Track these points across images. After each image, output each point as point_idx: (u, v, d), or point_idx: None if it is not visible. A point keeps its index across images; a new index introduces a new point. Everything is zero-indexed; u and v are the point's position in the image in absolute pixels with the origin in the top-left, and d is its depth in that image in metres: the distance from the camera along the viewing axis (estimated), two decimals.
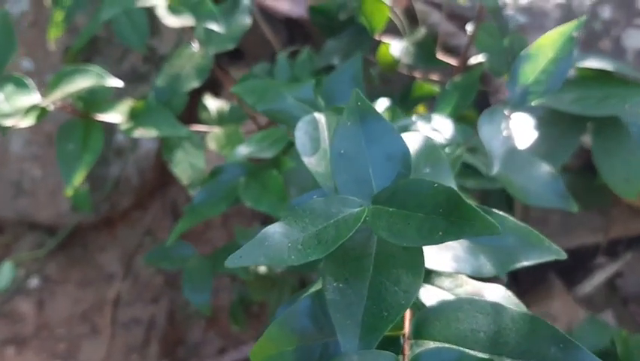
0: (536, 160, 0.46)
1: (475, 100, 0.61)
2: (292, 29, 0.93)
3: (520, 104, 0.43)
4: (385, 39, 0.71)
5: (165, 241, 0.61)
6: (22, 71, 0.86)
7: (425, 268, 0.30)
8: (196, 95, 0.71)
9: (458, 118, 0.59)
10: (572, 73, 0.61)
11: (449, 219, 0.24)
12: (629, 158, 0.58)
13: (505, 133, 0.41)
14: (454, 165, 0.42)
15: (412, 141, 0.35)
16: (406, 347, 0.27)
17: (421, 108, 0.70)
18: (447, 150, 0.47)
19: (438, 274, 0.32)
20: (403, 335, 0.28)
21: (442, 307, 0.28)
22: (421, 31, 0.71)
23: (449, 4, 0.76)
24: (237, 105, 0.66)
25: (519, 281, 0.82)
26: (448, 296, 0.31)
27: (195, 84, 0.55)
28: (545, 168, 0.47)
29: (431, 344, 0.27)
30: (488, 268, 0.30)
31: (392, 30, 0.73)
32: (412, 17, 0.77)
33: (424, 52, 0.69)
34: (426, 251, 0.29)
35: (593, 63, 0.59)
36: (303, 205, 0.26)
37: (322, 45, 0.71)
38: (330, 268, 0.27)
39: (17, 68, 0.87)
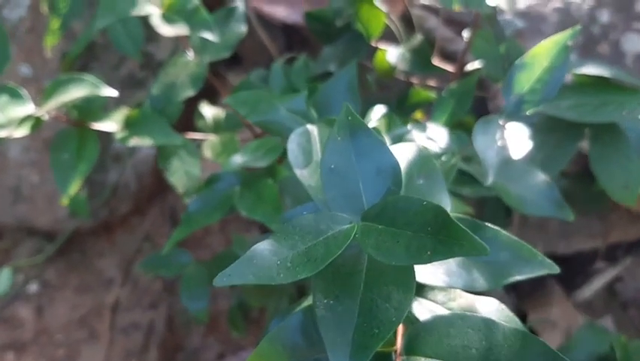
0: (532, 169, 0.46)
1: (474, 105, 0.61)
2: (290, 35, 0.93)
3: (515, 114, 0.43)
4: (382, 45, 0.71)
5: (163, 246, 0.61)
6: (20, 77, 0.86)
7: (418, 281, 0.30)
8: (193, 103, 0.71)
9: (455, 125, 0.59)
10: (569, 79, 0.60)
11: (437, 238, 0.24)
12: (627, 164, 0.58)
13: (499, 143, 0.41)
14: (448, 174, 0.42)
15: (406, 151, 0.35)
16: None
17: (418, 114, 0.70)
18: (442, 158, 0.46)
19: (431, 287, 0.31)
20: (395, 351, 0.28)
21: (434, 322, 0.28)
22: (418, 38, 0.71)
23: (446, 10, 0.76)
24: (233, 113, 0.66)
25: (518, 287, 0.82)
26: (442, 310, 0.31)
27: (190, 93, 0.55)
28: (541, 177, 0.46)
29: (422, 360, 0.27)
30: (481, 283, 0.30)
31: (389, 36, 0.72)
32: (409, 23, 0.77)
33: (421, 58, 0.68)
34: (419, 265, 0.29)
35: (590, 69, 0.59)
36: (293, 222, 0.26)
37: (320, 51, 0.71)
38: (321, 284, 0.27)
39: (15, 74, 0.87)
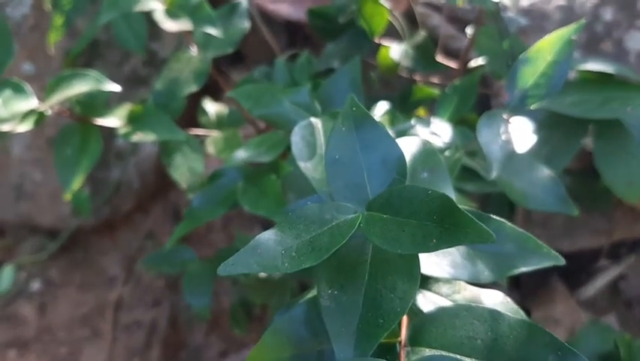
0: (536, 164, 0.46)
1: (477, 103, 0.61)
2: (292, 33, 0.93)
3: (519, 108, 0.43)
4: (385, 42, 0.71)
5: (166, 245, 0.61)
6: (24, 74, 0.87)
7: (422, 274, 0.30)
8: (196, 99, 0.71)
9: (458, 121, 0.59)
10: (572, 76, 0.60)
11: (443, 226, 0.23)
12: (631, 161, 0.58)
13: (504, 137, 0.40)
14: (452, 168, 0.42)
15: (410, 145, 0.35)
16: (402, 355, 0.27)
17: (421, 111, 0.70)
18: (446, 153, 0.46)
19: (435, 280, 0.31)
20: (399, 342, 0.28)
21: (439, 313, 0.27)
22: (421, 34, 0.71)
23: (449, 7, 0.75)
24: (236, 109, 0.66)
25: (521, 285, 0.82)
26: (446, 302, 0.30)
27: (193, 88, 0.55)
28: (545, 172, 0.46)
29: (427, 352, 0.26)
30: (486, 275, 0.30)
31: (392, 33, 0.72)
32: (412, 20, 0.77)
33: (424, 55, 0.68)
34: (423, 257, 0.29)
35: (593, 66, 0.59)
36: (297, 212, 0.26)
37: (323, 49, 0.71)
38: (325, 275, 0.26)
39: (18, 71, 0.87)
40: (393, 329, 0.25)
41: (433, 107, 0.65)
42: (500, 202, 0.67)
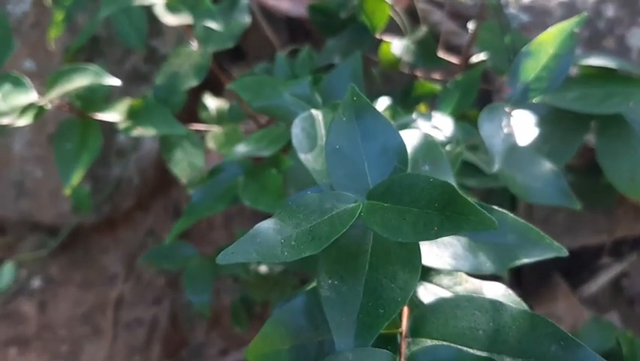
0: (539, 157, 0.46)
1: (478, 99, 0.61)
2: (293, 28, 0.93)
3: (521, 101, 0.42)
4: (386, 38, 0.71)
5: (166, 239, 0.61)
6: (24, 71, 0.86)
7: (424, 265, 0.30)
8: (196, 94, 0.71)
9: (460, 117, 0.58)
10: (574, 71, 0.60)
11: (444, 213, 0.23)
12: (633, 157, 0.57)
13: (506, 130, 0.40)
14: (454, 162, 0.42)
15: (411, 138, 0.35)
16: (403, 345, 0.27)
17: (422, 107, 0.70)
18: (447, 147, 0.46)
19: (437, 271, 0.31)
20: (400, 333, 0.28)
21: (440, 304, 0.27)
22: (423, 30, 0.71)
23: (451, 3, 0.75)
24: (237, 104, 0.66)
25: (523, 282, 0.82)
26: (447, 294, 0.30)
27: (194, 83, 0.55)
28: (548, 166, 0.46)
29: (428, 342, 0.26)
30: (488, 266, 0.30)
31: (393, 29, 0.72)
32: (414, 16, 0.77)
33: (426, 50, 0.68)
34: (424, 248, 0.29)
35: (595, 61, 0.59)
36: (297, 201, 0.26)
37: (323, 45, 0.70)
38: (325, 264, 0.26)
39: (19, 68, 0.87)
40: (393, 320, 0.25)
41: (434, 103, 0.64)
42: (502, 198, 0.66)
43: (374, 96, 0.53)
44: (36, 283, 0.94)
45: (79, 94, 0.53)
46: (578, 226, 0.80)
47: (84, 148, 0.52)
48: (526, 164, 0.45)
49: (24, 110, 0.47)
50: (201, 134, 0.62)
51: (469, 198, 0.23)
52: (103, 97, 0.55)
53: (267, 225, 0.25)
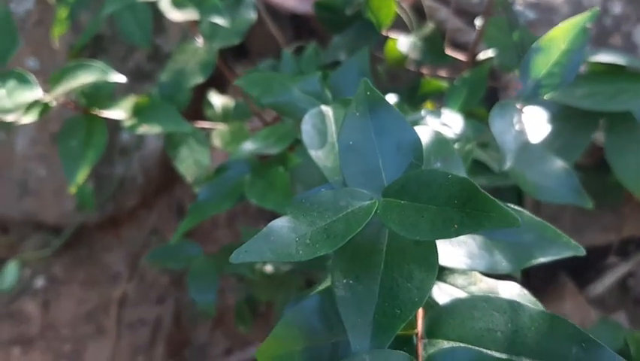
0: (550, 155, 0.45)
1: (485, 96, 0.60)
2: (298, 26, 0.92)
3: (532, 98, 0.42)
4: (392, 35, 0.70)
5: (171, 240, 0.61)
6: (28, 70, 0.86)
7: (438, 264, 0.29)
8: (202, 92, 0.70)
9: (467, 114, 0.58)
10: (582, 68, 0.59)
11: (464, 210, 0.23)
12: None
13: (517, 127, 0.40)
14: (465, 160, 0.41)
15: (422, 134, 0.34)
16: (420, 347, 0.26)
17: (429, 105, 0.69)
18: (457, 145, 0.45)
19: (451, 271, 0.30)
20: (416, 335, 0.27)
21: (457, 305, 0.27)
22: (429, 27, 0.70)
23: (457, 1, 0.75)
24: (243, 102, 0.66)
25: (530, 281, 0.81)
26: (462, 294, 0.30)
27: (199, 80, 0.54)
28: (559, 164, 0.45)
29: (445, 344, 0.25)
30: (504, 265, 0.29)
31: (399, 25, 0.71)
32: (420, 12, 0.76)
33: (432, 47, 0.67)
34: (438, 247, 0.28)
35: (604, 57, 0.58)
36: (311, 199, 0.25)
37: (328, 42, 0.70)
38: (340, 264, 0.26)
39: (23, 67, 0.86)
40: (409, 321, 0.25)
41: (441, 100, 0.64)
42: (509, 196, 0.66)
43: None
44: (39, 282, 0.94)
45: (84, 91, 0.53)
46: (585, 225, 0.80)
47: (89, 145, 0.51)
48: (537, 162, 0.44)
49: (29, 107, 0.47)
50: (207, 132, 0.62)
51: (489, 195, 0.22)
52: (108, 94, 0.54)
53: (280, 223, 0.24)
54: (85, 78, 0.48)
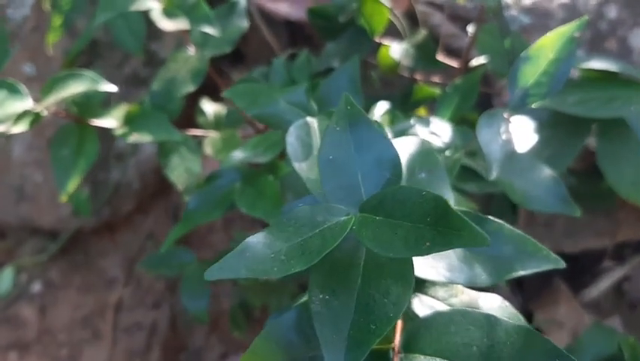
0: (538, 164, 0.45)
1: (479, 102, 0.60)
2: (293, 32, 0.92)
3: (520, 107, 0.42)
4: (385, 41, 0.70)
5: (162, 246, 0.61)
6: (24, 76, 0.86)
7: (419, 277, 0.29)
8: (194, 99, 0.70)
9: (459, 120, 0.58)
10: (575, 74, 0.59)
11: (436, 228, 0.23)
12: (635, 161, 0.57)
13: (504, 137, 0.40)
14: (452, 169, 0.41)
15: (408, 145, 0.34)
16: None
17: (422, 111, 0.69)
18: (446, 153, 0.46)
19: (432, 283, 0.31)
20: (393, 349, 0.27)
21: (434, 319, 0.27)
22: (422, 33, 0.70)
23: (451, 5, 0.75)
24: (235, 109, 0.66)
25: (524, 287, 0.81)
26: (443, 306, 0.30)
27: (191, 88, 0.55)
28: (547, 172, 0.45)
29: (422, 359, 0.26)
30: (483, 278, 0.29)
31: (392, 32, 0.72)
32: (413, 19, 0.77)
33: (425, 54, 0.68)
34: (418, 260, 0.28)
35: (597, 64, 0.58)
36: (288, 214, 0.26)
37: (324, 47, 0.70)
38: (317, 279, 0.26)
39: (19, 73, 0.87)
40: (386, 335, 0.25)
41: (434, 106, 0.64)
42: (503, 202, 0.66)
43: (373, 100, 0.52)
44: (36, 287, 0.94)
45: (75, 100, 0.53)
46: (580, 230, 0.80)
47: (81, 154, 0.51)
48: (524, 170, 0.44)
49: (19, 117, 0.47)
50: (198, 140, 0.62)
51: (462, 214, 0.22)
52: (99, 103, 0.54)
53: (256, 239, 0.25)
54: (75, 88, 0.48)
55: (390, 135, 0.40)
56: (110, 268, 0.95)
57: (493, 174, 0.38)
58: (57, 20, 0.62)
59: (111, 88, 0.50)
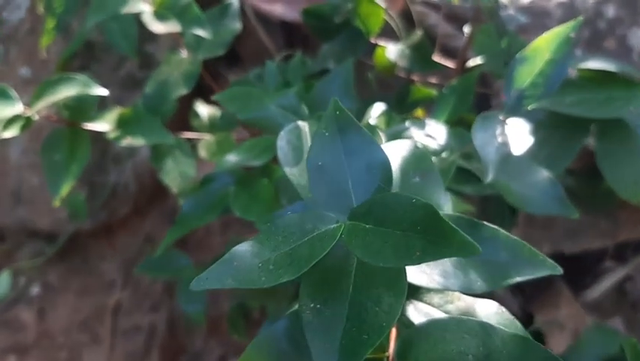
0: (534, 166, 0.45)
1: (476, 103, 0.60)
2: (290, 33, 0.92)
3: (516, 109, 0.41)
4: (381, 42, 0.70)
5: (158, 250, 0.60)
6: (20, 78, 0.86)
7: (413, 283, 0.29)
8: (189, 102, 0.70)
9: (456, 121, 0.57)
10: (573, 74, 0.59)
11: (427, 237, 0.22)
12: (634, 161, 0.56)
13: (500, 139, 0.39)
14: (447, 171, 0.41)
15: (401, 148, 0.34)
16: None
17: (419, 112, 0.69)
18: (443, 155, 0.45)
19: (427, 290, 0.30)
20: (387, 358, 0.27)
21: (429, 327, 0.26)
22: (418, 34, 0.70)
23: (447, 5, 0.74)
24: (229, 112, 0.65)
25: (525, 288, 0.81)
26: (438, 313, 0.29)
27: (183, 91, 0.54)
28: (544, 174, 0.45)
29: None
30: (479, 284, 0.28)
31: (388, 33, 0.71)
32: (409, 19, 0.76)
33: (421, 55, 0.67)
34: (412, 267, 0.28)
35: (595, 64, 0.57)
36: (277, 222, 0.25)
37: (320, 48, 0.69)
38: (307, 288, 0.25)
39: (15, 75, 0.86)
40: (380, 343, 0.24)
41: (431, 107, 0.63)
42: (501, 204, 0.65)
43: (369, 101, 0.52)
44: (34, 290, 0.94)
45: (67, 104, 0.53)
46: (580, 230, 0.79)
47: (73, 159, 0.51)
48: (521, 173, 0.44)
49: (10, 121, 0.46)
50: (193, 143, 0.61)
51: (451, 223, 0.21)
52: (91, 106, 0.54)
53: (244, 248, 0.24)
54: (67, 92, 0.48)
55: (384, 138, 0.40)
56: (108, 271, 0.94)
57: (489, 177, 0.38)
58: (50, 23, 0.62)
59: (102, 92, 0.50)
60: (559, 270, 0.30)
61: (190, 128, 0.67)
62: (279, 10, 0.81)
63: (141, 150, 0.91)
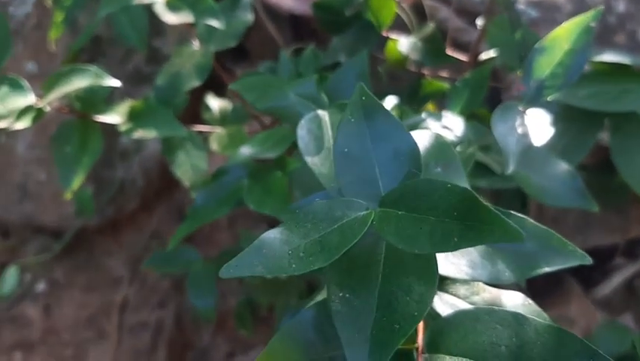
0: (554, 158, 0.44)
1: (487, 97, 0.59)
2: (298, 27, 0.91)
3: (535, 100, 0.41)
4: (393, 35, 0.69)
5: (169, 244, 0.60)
6: (27, 73, 0.86)
7: (440, 274, 0.28)
8: (199, 95, 0.69)
9: (469, 116, 0.57)
10: (586, 68, 0.58)
11: (465, 223, 0.22)
12: None
13: (520, 130, 0.39)
14: (466, 164, 0.40)
15: (422, 138, 0.33)
16: None
17: (430, 106, 0.68)
18: (458, 148, 0.45)
19: (452, 281, 0.29)
20: (417, 349, 0.26)
21: (459, 317, 0.25)
22: (430, 27, 0.69)
23: (458, 0, 0.74)
24: (241, 105, 0.65)
25: (534, 284, 0.80)
26: (464, 305, 0.29)
27: (195, 83, 0.54)
28: (563, 167, 0.44)
29: (447, 359, 0.24)
30: (507, 275, 0.28)
31: (400, 26, 0.70)
32: (420, 13, 0.75)
33: (433, 48, 0.66)
34: (439, 257, 0.27)
35: (609, 57, 0.57)
36: (305, 209, 0.24)
37: (329, 43, 0.69)
38: (335, 276, 0.25)
39: (22, 70, 0.86)
40: (409, 335, 0.24)
41: (442, 101, 0.63)
42: (512, 199, 0.65)
43: (381, 95, 0.51)
44: (40, 286, 0.94)
45: (78, 95, 0.52)
46: (590, 226, 0.78)
47: (84, 151, 0.50)
48: (541, 164, 0.43)
49: (22, 112, 0.46)
50: (204, 136, 0.61)
51: (492, 207, 0.21)
52: (103, 98, 0.53)
53: (273, 235, 0.23)
54: (79, 83, 0.47)
55: None
56: (115, 267, 0.94)
57: (510, 168, 0.37)
58: (59, 16, 0.61)
59: (115, 83, 0.49)
60: (588, 260, 0.30)
61: (200, 122, 0.66)
62: (287, 3, 0.80)
63: (148, 146, 0.90)
